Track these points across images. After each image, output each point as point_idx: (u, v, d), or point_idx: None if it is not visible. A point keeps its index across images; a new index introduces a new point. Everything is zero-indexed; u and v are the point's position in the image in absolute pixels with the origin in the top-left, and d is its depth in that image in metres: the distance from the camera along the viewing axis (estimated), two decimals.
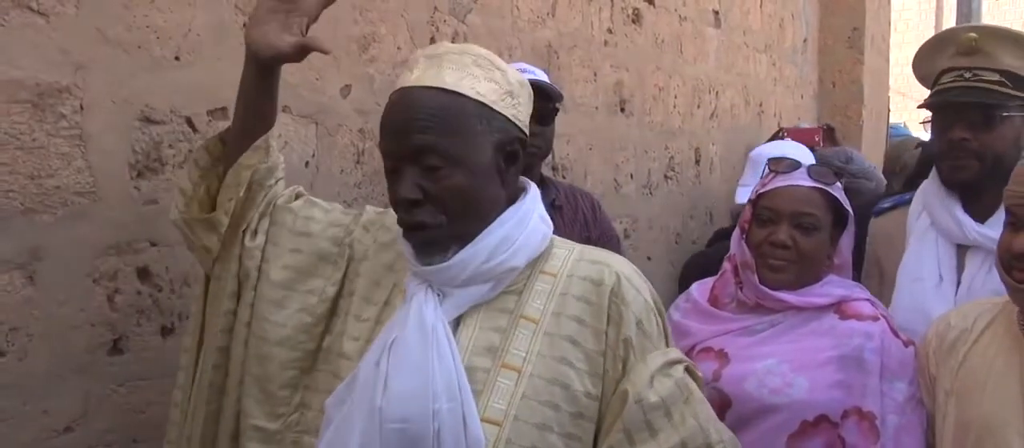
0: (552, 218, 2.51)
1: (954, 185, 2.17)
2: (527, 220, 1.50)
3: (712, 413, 1.52)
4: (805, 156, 2.81)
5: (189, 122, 1.93)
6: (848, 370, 1.90)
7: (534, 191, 1.55)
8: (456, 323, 1.45)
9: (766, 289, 1.97)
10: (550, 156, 2.90)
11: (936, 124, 2.21)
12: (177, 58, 1.89)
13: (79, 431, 1.74)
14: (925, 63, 2.29)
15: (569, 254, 1.53)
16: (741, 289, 2.03)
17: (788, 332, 1.97)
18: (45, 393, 1.68)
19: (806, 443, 1.88)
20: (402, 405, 1.35)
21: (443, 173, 1.41)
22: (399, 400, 1.35)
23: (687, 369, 1.50)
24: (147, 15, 1.83)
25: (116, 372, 1.81)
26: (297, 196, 1.68)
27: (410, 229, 1.44)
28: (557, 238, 1.57)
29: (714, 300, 2.09)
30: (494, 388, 1.39)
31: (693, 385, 1.49)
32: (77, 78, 1.70)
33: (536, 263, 1.50)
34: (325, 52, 1.59)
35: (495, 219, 1.46)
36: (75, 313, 1.73)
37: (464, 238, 1.44)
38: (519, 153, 1.50)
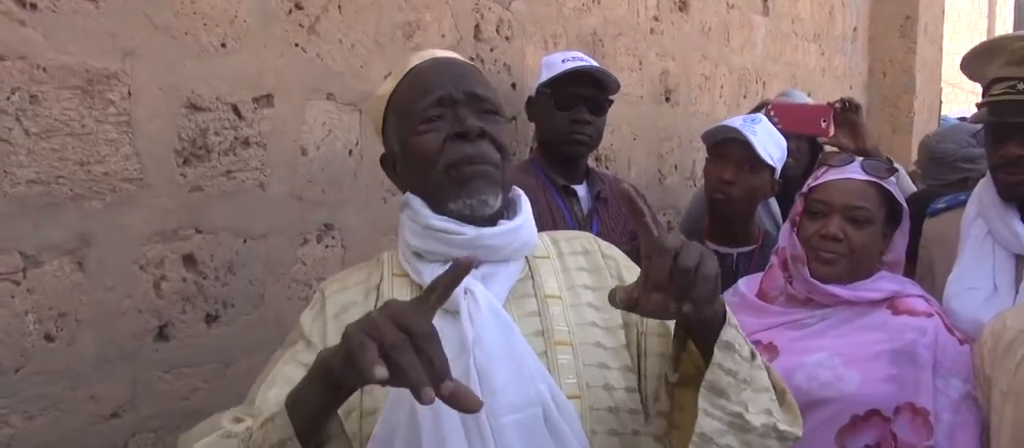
0: (597, 210, 2.50)
1: (1011, 199, 2.11)
2: None
3: None
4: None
5: (235, 109, 1.93)
6: (900, 365, 1.85)
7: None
8: None
9: (817, 283, 1.94)
10: None
11: (989, 137, 2.15)
12: (223, 45, 1.89)
13: (126, 416, 1.76)
14: (973, 69, 2.22)
15: (542, 239, 1.58)
16: (790, 283, 1.99)
17: (839, 326, 1.93)
18: (93, 378, 1.70)
19: (856, 437, 1.84)
20: (507, 396, 1.33)
21: (497, 119, 1.47)
22: (504, 392, 1.33)
23: None
24: (194, 1, 1.82)
25: (162, 358, 1.82)
26: None
27: (476, 161, 1.43)
28: None
29: (762, 294, 2.06)
30: (558, 367, 1.42)
31: None
32: (125, 64, 1.70)
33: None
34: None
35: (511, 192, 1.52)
36: (122, 299, 1.74)
37: (503, 190, 1.47)
38: None
